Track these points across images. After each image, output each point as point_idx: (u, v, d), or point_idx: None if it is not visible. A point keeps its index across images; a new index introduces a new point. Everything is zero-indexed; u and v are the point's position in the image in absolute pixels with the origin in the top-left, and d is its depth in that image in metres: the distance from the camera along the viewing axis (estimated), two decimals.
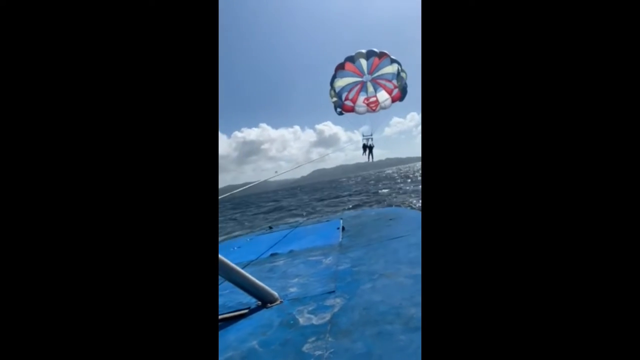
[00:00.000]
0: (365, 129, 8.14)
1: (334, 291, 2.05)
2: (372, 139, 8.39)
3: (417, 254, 2.30)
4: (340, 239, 3.56)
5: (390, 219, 3.71)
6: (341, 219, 4.82)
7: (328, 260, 2.79)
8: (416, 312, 1.42)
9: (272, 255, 3.46)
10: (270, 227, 6.00)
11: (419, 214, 3.90)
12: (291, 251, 3.45)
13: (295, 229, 4.97)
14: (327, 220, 5.17)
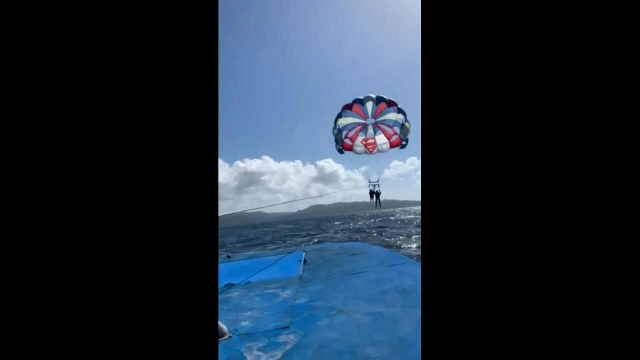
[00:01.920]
0: (370, 175, 8.34)
1: (288, 327, 1.94)
2: (379, 185, 8.53)
3: (377, 290, 2.21)
4: (301, 272, 3.47)
5: (353, 254, 3.64)
6: (304, 251, 4.74)
7: (286, 294, 2.70)
8: (373, 352, 1.34)
9: (226, 285, 3.32)
10: (229, 257, 5.82)
11: (383, 250, 3.88)
12: (248, 282, 3.33)
13: (256, 259, 4.80)
14: (290, 252, 5.11)
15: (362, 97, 7.02)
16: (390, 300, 1.89)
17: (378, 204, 8.53)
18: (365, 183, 8.53)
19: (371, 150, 7.56)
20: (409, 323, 1.33)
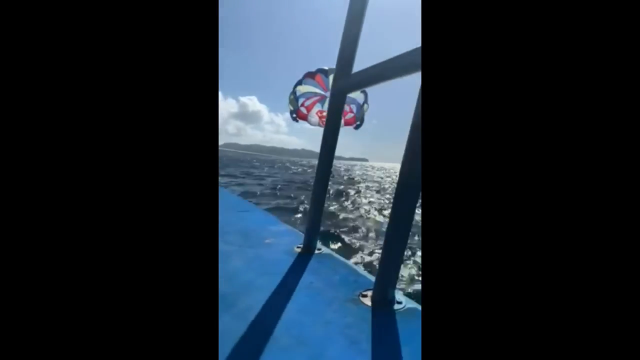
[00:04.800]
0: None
1: None
2: None
3: (220, 231, 2.26)
4: None
5: None
6: None
7: None
8: (226, 287, 1.40)
9: None
10: None
11: (234, 196, 3.95)
12: None
13: None
14: None
15: (326, 68, 6.68)
16: (229, 239, 1.84)
17: None
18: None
19: (325, 123, 7.47)
20: (241, 258, 1.43)
